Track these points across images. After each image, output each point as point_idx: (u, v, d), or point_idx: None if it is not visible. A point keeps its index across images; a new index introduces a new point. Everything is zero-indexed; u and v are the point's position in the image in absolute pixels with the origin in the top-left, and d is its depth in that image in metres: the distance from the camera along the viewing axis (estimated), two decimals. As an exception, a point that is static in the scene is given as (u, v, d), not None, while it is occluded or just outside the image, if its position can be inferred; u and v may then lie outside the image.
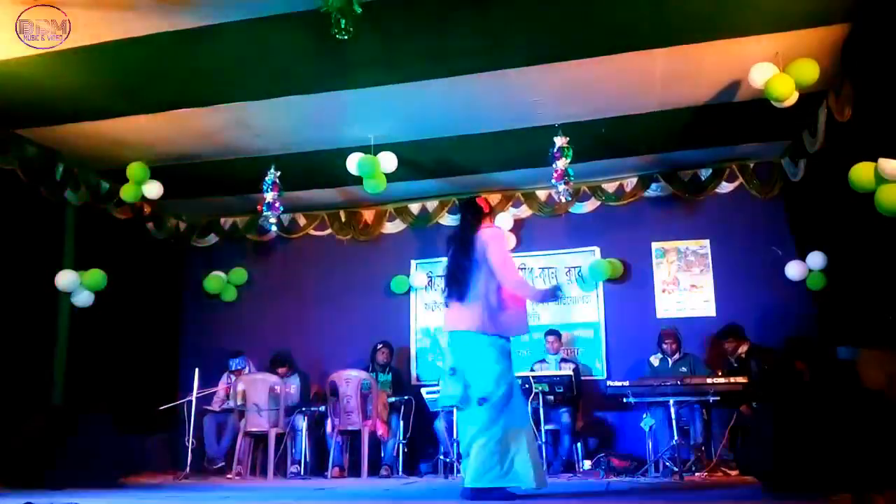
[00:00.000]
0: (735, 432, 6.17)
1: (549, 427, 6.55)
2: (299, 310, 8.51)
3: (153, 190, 6.97)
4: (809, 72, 5.08)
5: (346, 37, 4.33)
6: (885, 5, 4.53)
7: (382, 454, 7.01)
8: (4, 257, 6.32)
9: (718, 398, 5.78)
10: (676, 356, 6.77)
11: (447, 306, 4.34)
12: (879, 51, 4.74)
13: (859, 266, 6.03)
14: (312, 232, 8.69)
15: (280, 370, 7.45)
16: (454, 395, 4.15)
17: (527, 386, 6.43)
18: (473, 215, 4.45)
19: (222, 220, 8.89)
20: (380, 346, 7.57)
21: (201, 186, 7.84)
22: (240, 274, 8.71)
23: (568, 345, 7.75)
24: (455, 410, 4.49)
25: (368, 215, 8.56)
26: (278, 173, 6.99)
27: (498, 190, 8.10)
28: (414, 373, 8.18)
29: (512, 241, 7.88)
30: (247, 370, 7.66)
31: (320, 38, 4.57)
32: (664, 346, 6.80)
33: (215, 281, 8.58)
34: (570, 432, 6.81)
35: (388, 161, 6.66)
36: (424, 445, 7.33)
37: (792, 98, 5.25)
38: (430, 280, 8.37)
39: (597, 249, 7.95)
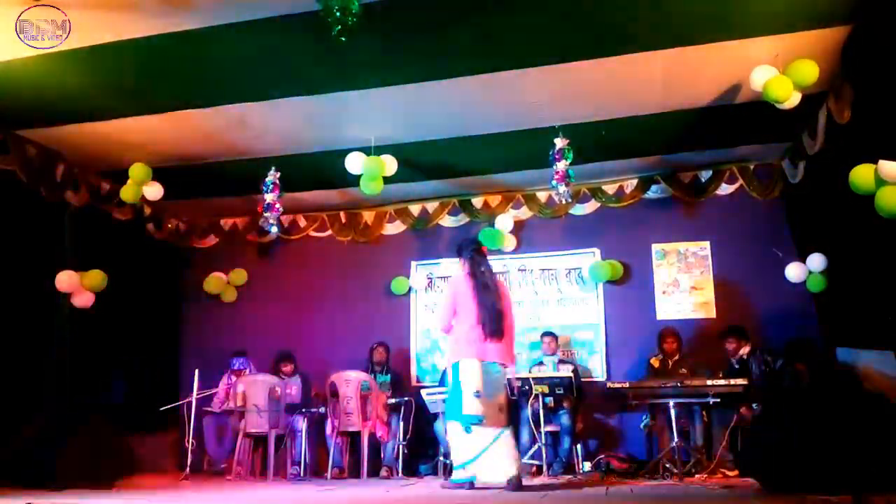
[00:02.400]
0: (735, 434, 6.16)
1: (548, 428, 6.53)
2: (299, 311, 8.51)
3: (153, 191, 6.97)
4: (809, 72, 5.09)
5: (346, 38, 4.34)
6: (884, 7, 4.53)
7: (382, 455, 7.01)
8: (4, 258, 6.32)
9: (718, 400, 5.78)
10: (677, 357, 6.77)
11: (484, 341, 5.11)
12: (879, 52, 4.74)
13: (859, 268, 6.03)
14: (313, 233, 8.70)
15: (285, 368, 7.48)
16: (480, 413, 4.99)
17: (526, 387, 6.44)
18: (489, 262, 5.41)
19: (222, 221, 8.90)
20: (375, 345, 7.58)
21: (201, 187, 7.84)
22: (240, 275, 8.72)
23: (567, 346, 7.75)
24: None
25: (369, 216, 8.57)
26: (278, 174, 7.00)
27: (498, 191, 8.12)
28: (414, 374, 8.17)
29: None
30: (248, 371, 7.68)
31: (321, 40, 4.57)
32: (664, 346, 6.80)
33: (215, 282, 8.59)
34: (569, 434, 6.80)
35: (388, 164, 6.67)
36: (424, 447, 7.32)
37: (791, 100, 5.25)
38: (431, 281, 8.37)
39: (597, 251, 7.96)
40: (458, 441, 5.04)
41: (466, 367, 5.05)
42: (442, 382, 5.24)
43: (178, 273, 9.00)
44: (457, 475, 5.04)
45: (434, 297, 8.26)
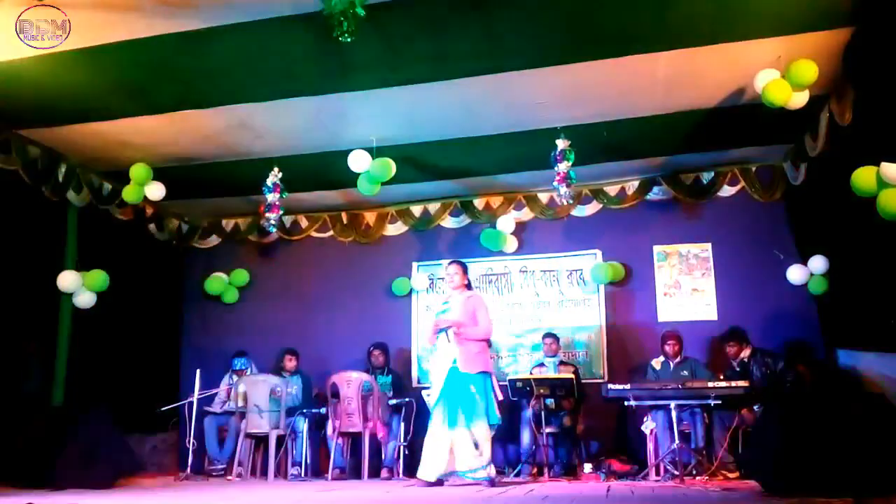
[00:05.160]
0: (736, 436, 6.16)
1: (549, 430, 6.53)
2: (300, 312, 8.51)
3: (155, 191, 6.98)
4: (807, 72, 5.07)
5: (348, 39, 4.35)
6: (887, 9, 4.52)
7: (383, 456, 7.01)
8: (6, 258, 6.33)
9: (719, 402, 5.77)
10: (678, 359, 6.75)
11: None
12: (881, 54, 4.74)
13: (861, 270, 6.02)
14: (314, 234, 8.70)
15: (289, 363, 7.53)
16: None
17: (528, 388, 6.43)
18: None
19: (224, 221, 8.90)
20: (373, 349, 7.54)
21: (203, 188, 7.85)
22: (241, 275, 8.72)
23: (568, 348, 7.75)
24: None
25: (370, 217, 8.57)
26: (280, 175, 7.00)
27: (500, 192, 8.11)
28: (415, 375, 8.17)
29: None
30: (249, 371, 7.69)
31: (322, 41, 4.59)
32: (666, 348, 6.78)
33: (217, 282, 8.59)
34: (570, 435, 6.80)
35: (393, 167, 6.67)
36: (425, 448, 7.31)
37: (793, 101, 5.25)
38: (432, 282, 8.36)
39: (598, 252, 7.95)
40: (488, 441, 5.44)
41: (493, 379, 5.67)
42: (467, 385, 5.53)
43: (180, 273, 9.01)
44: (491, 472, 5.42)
45: (436, 298, 8.22)
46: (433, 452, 5.46)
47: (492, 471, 5.41)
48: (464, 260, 6.32)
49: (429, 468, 5.44)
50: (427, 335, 6.07)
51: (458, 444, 5.36)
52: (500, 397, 5.70)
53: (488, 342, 5.85)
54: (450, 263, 5.98)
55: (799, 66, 5.07)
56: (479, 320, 5.65)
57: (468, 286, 5.93)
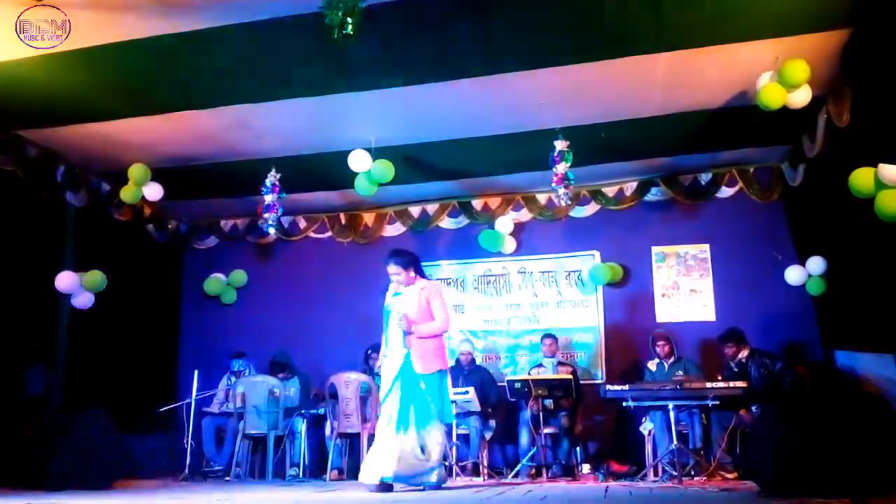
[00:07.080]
0: (734, 436, 6.16)
1: (547, 430, 6.54)
2: (299, 312, 8.50)
3: (153, 192, 6.98)
4: (799, 72, 5.07)
5: (348, 40, 4.35)
6: (885, 10, 4.53)
7: (381, 457, 6.99)
8: (5, 258, 6.32)
9: (717, 402, 5.78)
10: (671, 360, 6.76)
11: None
12: (879, 56, 4.75)
13: (859, 271, 6.03)
14: (313, 234, 8.70)
15: (280, 375, 7.47)
16: None
17: (526, 389, 6.44)
18: None
19: (222, 222, 8.90)
20: (370, 352, 7.49)
21: (202, 188, 7.85)
22: (240, 276, 8.72)
23: (567, 348, 7.75)
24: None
25: (369, 218, 8.57)
26: (279, 175, 7.00)
27: (498, 193, 8.12)
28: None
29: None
30: (247, 372, 7.68)
31: (321, 41, 4.57)
32: (657, 350, 6.79)
33: (215, 283, 8.59)
34: (568, 436, 6.80)
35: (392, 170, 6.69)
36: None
37: (791, 101, 5.26)
38: (430, 283, 8.35)
39: (597, 253, 7.96)
40: (443, 442, 5.17)
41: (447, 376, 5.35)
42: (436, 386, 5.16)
43: (178, 274, 9.01)
44: (441, 473, 5.09)
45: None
46: (377, 454, 4.94)
47: (442, 472, 5.07)
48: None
49: (372, 471, 4.89)
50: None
51: (405, 449, 4.89)
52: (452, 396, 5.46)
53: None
54: (387, 264, 5.48)
55: (790, 65, 5.07)
56: (434, 314, 5.24)
57: (420, 275, 5.51)
